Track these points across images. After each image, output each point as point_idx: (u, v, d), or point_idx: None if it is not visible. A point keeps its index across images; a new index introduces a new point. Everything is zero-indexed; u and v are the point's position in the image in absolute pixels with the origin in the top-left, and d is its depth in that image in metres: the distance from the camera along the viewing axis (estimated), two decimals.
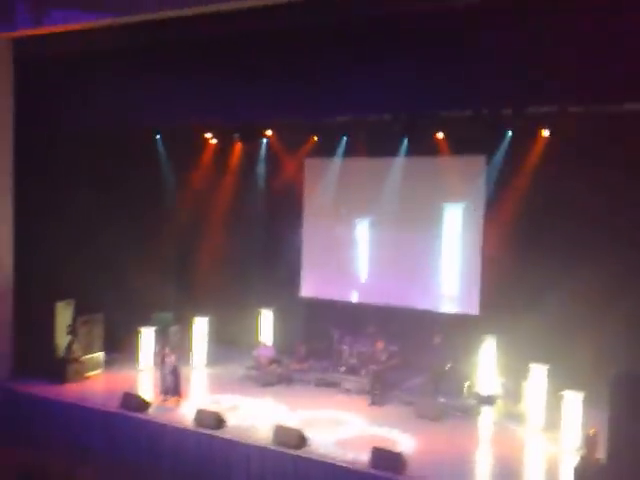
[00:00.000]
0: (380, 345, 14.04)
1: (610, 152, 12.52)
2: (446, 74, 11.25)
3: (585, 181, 12.76)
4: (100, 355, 14.85)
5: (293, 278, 16.75)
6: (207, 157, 17.35)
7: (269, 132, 16.58)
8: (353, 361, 14.41)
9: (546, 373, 11.93)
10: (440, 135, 14.52)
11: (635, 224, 12.54)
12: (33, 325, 14.16)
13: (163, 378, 12.96)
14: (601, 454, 9.54)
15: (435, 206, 15.12)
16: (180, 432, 11.66)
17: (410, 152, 15.05)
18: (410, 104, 12.36)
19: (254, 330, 16.09)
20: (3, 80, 14.00)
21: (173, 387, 12.84)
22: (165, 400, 12.72)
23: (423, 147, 14.78)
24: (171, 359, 12.98)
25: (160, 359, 13.25)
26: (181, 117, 14.11)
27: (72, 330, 14.38)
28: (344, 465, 10.25)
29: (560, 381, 11.65)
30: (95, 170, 15.40)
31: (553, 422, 11.52)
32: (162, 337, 15.47)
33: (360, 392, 13.61)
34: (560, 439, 11.18)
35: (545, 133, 13.48)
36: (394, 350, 14.10)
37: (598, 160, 12.62)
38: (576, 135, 12.87)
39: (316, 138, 16.15)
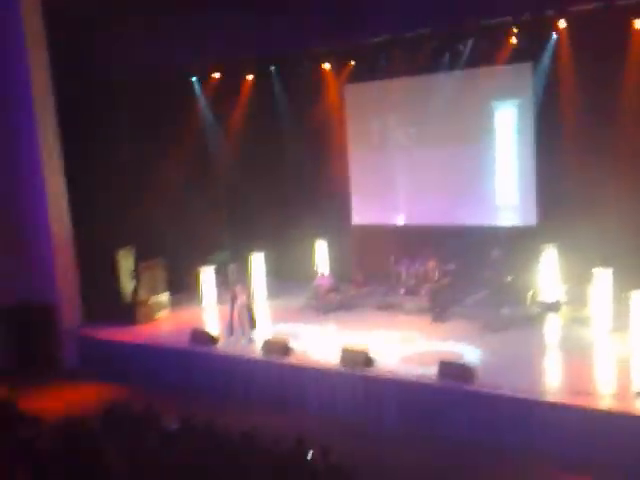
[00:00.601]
0: (432, 264, 14.05)
1: None
2: None
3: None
4: (165, 296, 15.29)
5: (344, 207, 16.74)
6: (245, 95, 17.21)
7: (305, 63, 16.26)
8: (411, 282, 14.48)
9: (611, 276, 11.75)
10: (483, 45, 14.02)
11: None
12: (98, 274, 14.66)
13: (239, 314, 12.92)
14: None
15: (484, 117, 14.69)
16: (250, 362, 12.05)
17: (452, 66, 14.58)
18: (447, 15, 11.97)
19: (310, 262, 16.26)
20: (37, 36, 14.07)
21: (250, 321, 12.88)
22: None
23: (465, 60, 14.30)
24: (242, 298, 12.99)
25: (231, 297, 13.21)
26: (214, 53, 13.97)
27: (136, 275, 14.80)
28: (413, 379, 10.42)
29: (625, 284, 11.48)
30: (138, 119, 15.54)
31: (621, 324, 11.43)
32: (223, 275, 15.75)
33: (421, 311, 13.70)
34: (629, 339, 11.09)
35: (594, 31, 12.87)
36: (450, 268, 14.10)
37: None
38: (627, 29, 12.30)
39: (353, 63, 15.79)
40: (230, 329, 12.97)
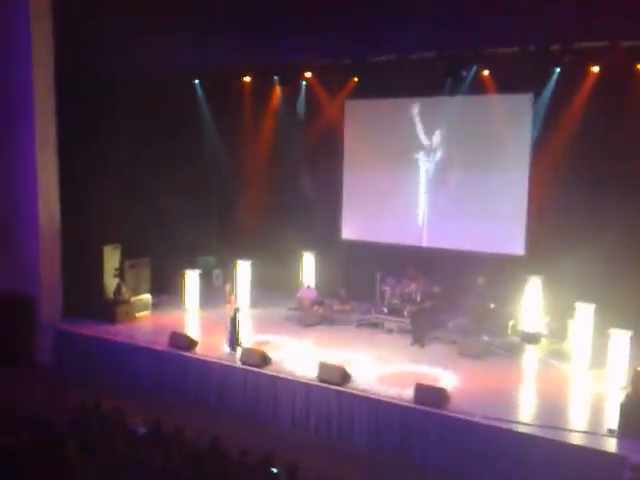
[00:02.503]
0: (416, 285, 14.05)
1: None
2: (491, 9, 10.87)
3: (636, 119, 12.38)
4: (147, 297, 15.23)
5: (334, 221, 16.75)
6: (246, 101, 17.27)
7: (308, 74, 16.34)
8: (395, 302, 14.45)
9: (592, 312, 11.79)
10: (486, 73, 14.15)
11: None
12: (82, 269, 14.59)
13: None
14: None
15: (480, 146, 14.79)
16: (227, 369, 11.96)
17: (454, 91, 14.69)
18: (454, 41, 12.04)
19: (296, 273, 16.25)
20: (43, 29, 14.08)
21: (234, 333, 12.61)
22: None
23: (468, 86, 14.42)
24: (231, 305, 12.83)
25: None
26: (219, 58, 14.00)
27: (120, 273, 14.75)
28: (387, 400, 10.39)
29: (605, 320, 11.53)
30: (137, 118, 15.53)
31: (598, 361, 11.45)
32: (208, 280, 15.73)
33: (403, 332, 13.69)
34: (605, 377, 11.11)
35: (594, 69, 13.02)
36: (435, 291, 14.11)
37: None
38: (625, 70, 12.44)
39: (356, 79, 15.87)
40: (232, 343, 12.61)
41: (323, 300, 14.94)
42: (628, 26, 10.35)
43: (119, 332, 13.78)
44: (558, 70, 13.51)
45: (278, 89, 17.03)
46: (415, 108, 15.37)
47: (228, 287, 13.26)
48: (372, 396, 10.54)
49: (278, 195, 17.17)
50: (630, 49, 12.18)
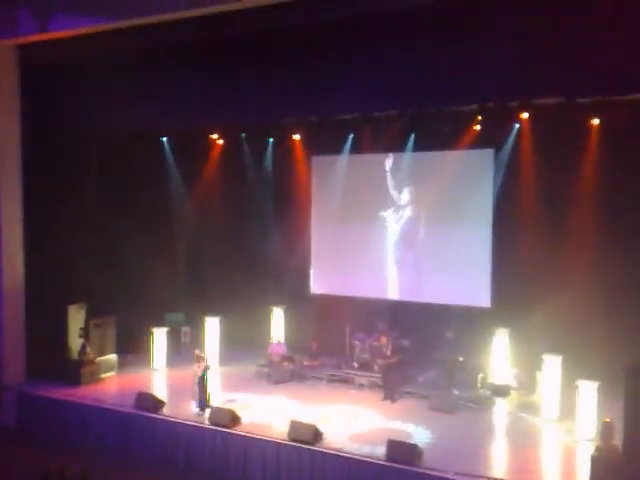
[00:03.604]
0: (384, 340, 14.07)
1: (624, 143, 12.48)
2: (450, 68, 11.21)
3: (600, 171, 12.79)
4: (113, 357, 14.94)
5: (303, 276, 16.77)
6: (214, 158, 17.40)
7: (274, 132, 16.59)
8: (365, 356, 14.42)
9: (560, 363, 11.90)
10: (447, 129, 14.50)
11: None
12: (46, 329, 14.26)
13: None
14: (617, 443, 9.51)
15: (444, 200, 15.07)
16: (195, 430, 11.71)
17: (418, 147, 15.06)
18: (415, 100, 12.34)
19: (266, 329, 16.13)
20: (9, 86, 14.12)
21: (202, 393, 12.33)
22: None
23: (431, 142, 14.77)
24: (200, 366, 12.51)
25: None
26: (186, 118, 14.14)
27: (85, 333, 14.47)
28: (360, 458, 10.27)
29: (573, 372, 11.65)
30: (104, 173, 15.54)
31: (567, 412, 11.53)
32: (176, 338, 15.50)
33: (374, 387, 13.63)
34: (575, 429, 11.16)
35: (551, 124, 13.43)
36: (405, 344, 14.14)
37: (611, 151, 12.62)
38: (584, 126, 12.90)
39: (323, 136, 16.13)
40: (201, 403, 12.32)
41: (293, 356, 14.83)
42: (581, 83, 10.76)
43: (84, 394, 13.44)
44: (517, 126, 13.93)
45: (246, 146, 17.21)
46: (387, 164, 15.62)
47: (197, 352, 12.95)
48: (345, 454, 10.40)
49: (246, 251, 17.15)
50: (584, 105, 12.64)
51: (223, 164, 17.32)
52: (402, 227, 15.62)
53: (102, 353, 14.70)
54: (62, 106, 14.41)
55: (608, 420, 9.66)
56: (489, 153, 14.48)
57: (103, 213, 15.53)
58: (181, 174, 17.43)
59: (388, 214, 15.73)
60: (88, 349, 14.32)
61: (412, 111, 14.35)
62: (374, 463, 10.13)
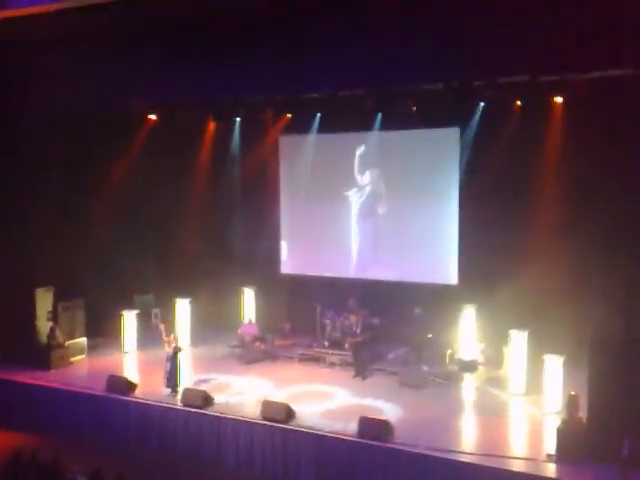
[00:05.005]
0: (353, 319, 14.21)
1: (587, 120, 12.66)
2: (416, 47, 11.25)
3: (564, 148, 12.97)
4: (83, 340, 14.86)
5: (273, 256, 16.79)
6: (182, 137, 17.16)
7: (242, 111, 16.43)
8: (336, 335, 14.56)
9: (526, 338, 12.17)
10: (414, 108, 14.56)
11: (612, 194, 12.71)
12: (14, 313, 14.11)
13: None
14: (582, 415, 9.81)
15: (411, 178, 15.17)
16: (168, 412, 11.75)
17: (384, 126, 15.09)
18: (382, 78, 12.35)
19: (236, 310, 16.15)
20: None
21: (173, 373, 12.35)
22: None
23: (397, 121, 14.80)
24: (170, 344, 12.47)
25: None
26: (151, 97, 13.97)
27: (53, 316, 14.35)
28: (332, 435, 10.43)
29: (539, 346, 11.92)
30: (66, 154, 15.17)
31: (534, 386, 11.82)
32: (146, 320, 15.44)
33: (345, 365, 13.79)
34: (541, 402, 11.46)
35: (517, 102, 13.58)
36: (374, 322, 14.28)
37: (574, 128, 12.81)
38: (549, 103, 13.06)
39: (290, 115, 16.08)
40: (171, 384, 12.33)
41: (264, 336, 14.90)
42: (546, 61, 10.87)
43: (55, 377, 13.37)
44: (482, 104, 14.04)
45: (213, 125, 17.03)
46: (359, 150, 15.60)
47: (162, 327, 12.96)
48: (317, 432, 10.56)
49: (216, 231, 17.08)
50: (549, 83, 12.77)
51: (191, 142, 17.10)
52: (366, 205, 15.70)
53: (71, 336, 14.62)
54: (21, 86, 14.11)
55: (573, 393, 9.96)
56: (455, 131, 14.57)
57: (68, 193, 15.26)
58: (148, 152, 17.15)
59: (352, 193, 15.82)
60: (57, 332, 14.24)
61: (378, 90, 14.37)
62: (346, 440, 10.31)
